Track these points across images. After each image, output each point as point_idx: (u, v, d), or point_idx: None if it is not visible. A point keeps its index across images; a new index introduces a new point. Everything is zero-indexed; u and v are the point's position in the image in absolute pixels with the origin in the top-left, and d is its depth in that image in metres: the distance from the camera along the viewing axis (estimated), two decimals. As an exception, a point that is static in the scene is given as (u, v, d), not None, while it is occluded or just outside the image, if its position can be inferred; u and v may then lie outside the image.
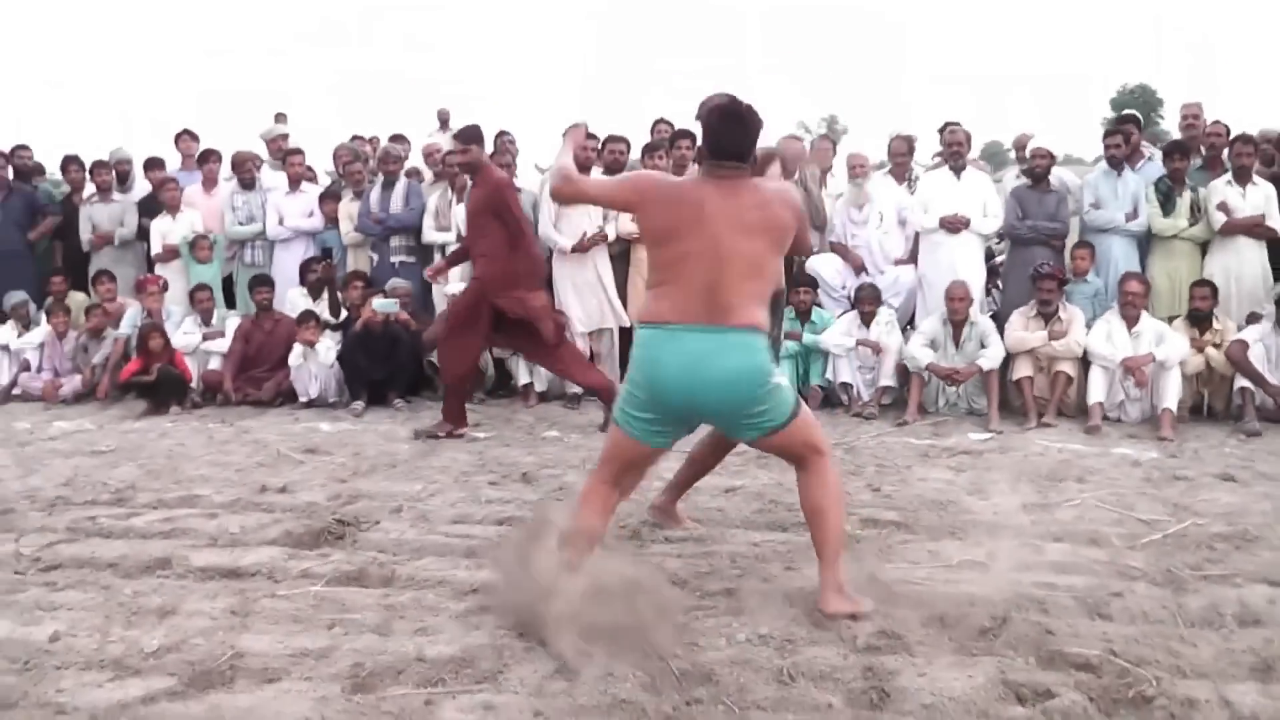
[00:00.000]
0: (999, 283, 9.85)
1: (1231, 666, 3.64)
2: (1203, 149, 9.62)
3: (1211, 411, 8.61)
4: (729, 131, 4.03)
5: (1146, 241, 9.18)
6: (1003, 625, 3.94)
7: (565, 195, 4.58)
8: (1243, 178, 8.96)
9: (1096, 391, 8.13)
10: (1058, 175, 9.50)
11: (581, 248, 9.27)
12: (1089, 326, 8.42)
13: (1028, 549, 4.94)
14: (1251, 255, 8.96)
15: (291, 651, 3.77)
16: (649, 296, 4.13)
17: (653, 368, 4.02)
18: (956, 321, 8.52)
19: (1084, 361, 8.31)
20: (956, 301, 8.50)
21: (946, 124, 9.51)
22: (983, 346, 8.47)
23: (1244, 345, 8.13)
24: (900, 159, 9.95)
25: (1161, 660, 3.65)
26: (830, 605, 4.06)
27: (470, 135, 7.80)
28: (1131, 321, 8.22)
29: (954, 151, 9.26)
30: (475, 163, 7.74)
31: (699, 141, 4.20)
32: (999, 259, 10.14)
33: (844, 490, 4.48)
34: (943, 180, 9.30)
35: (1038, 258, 8.91)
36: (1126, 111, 11.00)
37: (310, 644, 3.83)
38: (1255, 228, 8.90)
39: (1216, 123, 9.71)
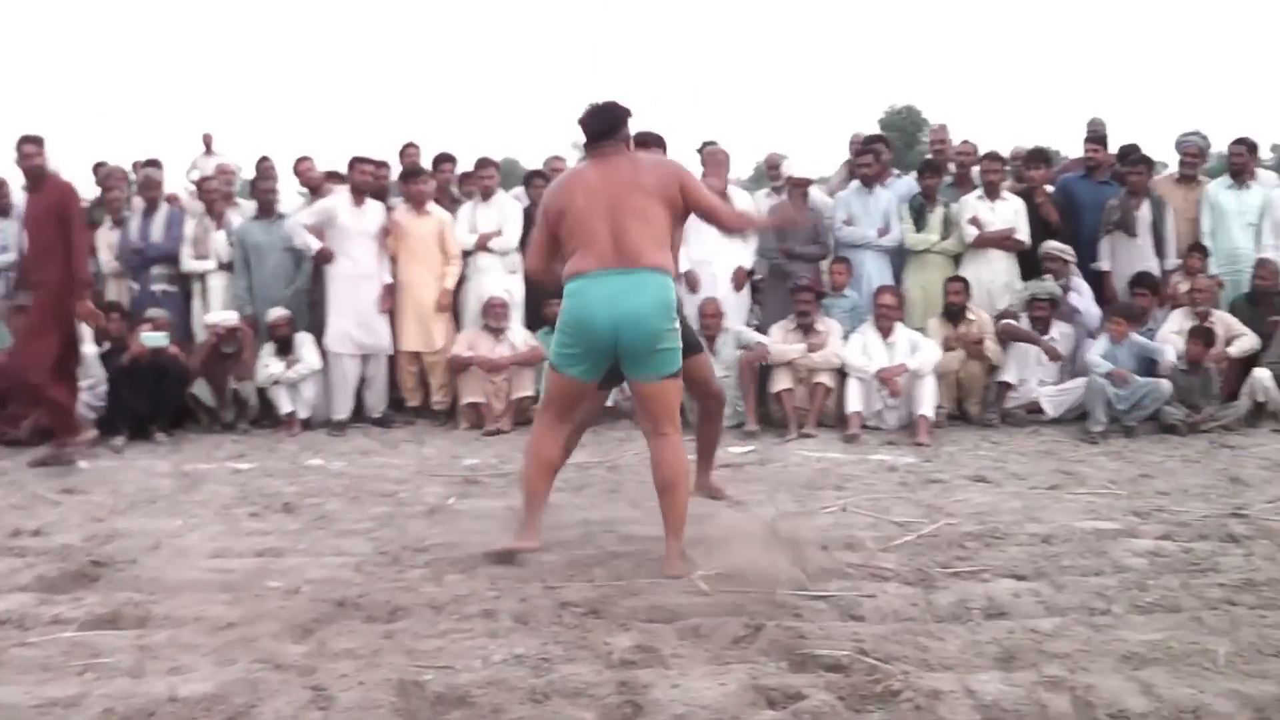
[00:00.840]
0: (759, 299, 10.06)
1: (976, 657, 3.77)
2: (953, 166, 10.05)
3: (967, 416, 8.97)
4: (593, 118, 4.88)
5: (901, 256, 9.52)
6: (757, 633, 4.01)
7: (533, 266, 5.27)
8: (992, 193, 9.46)
9: (854, 401, 8.40)
10: (812, 194, 9.78)
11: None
12: (847, 339, 8.68)
13: (783, 557, 5.01)
14: (1001, 266, 9.45)
15: (39, 701, 3.53)
16: (568, 264, 4.81)
17: (581, 308, 4.73)
18: (709, 328, 8.78)
19: (843, 372, 8.56)
20: (708, 318, 8.75)
21: (705, 144, 9.71)
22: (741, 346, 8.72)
23: (1015, 320, 8.86)
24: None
25: (910, 655, 3.76)
26: (673, 569, 4.67)
27: (37, 139, 7.84)
28: (886, 333, 8.53)
29: (714, 170, 9.40)
30: (41, 168, 7.81)
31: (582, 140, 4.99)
32: (759, 275, 10.36)
33: (689, 468, 5.08)
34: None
35: (796, 272, 9.15)
36: (877, 133, 11.46)
37: (60, 692, 3.60)
38: (1005, 240, 9.35)
39: (965, 142, 10.21)
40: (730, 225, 5.46)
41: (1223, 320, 8.87)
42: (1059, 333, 9.00)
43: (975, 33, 75.06)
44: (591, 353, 4.83)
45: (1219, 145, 10.40)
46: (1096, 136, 10.12)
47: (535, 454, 5.05)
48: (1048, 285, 8.98)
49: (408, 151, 10.38)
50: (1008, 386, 8.82)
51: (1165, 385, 8.36)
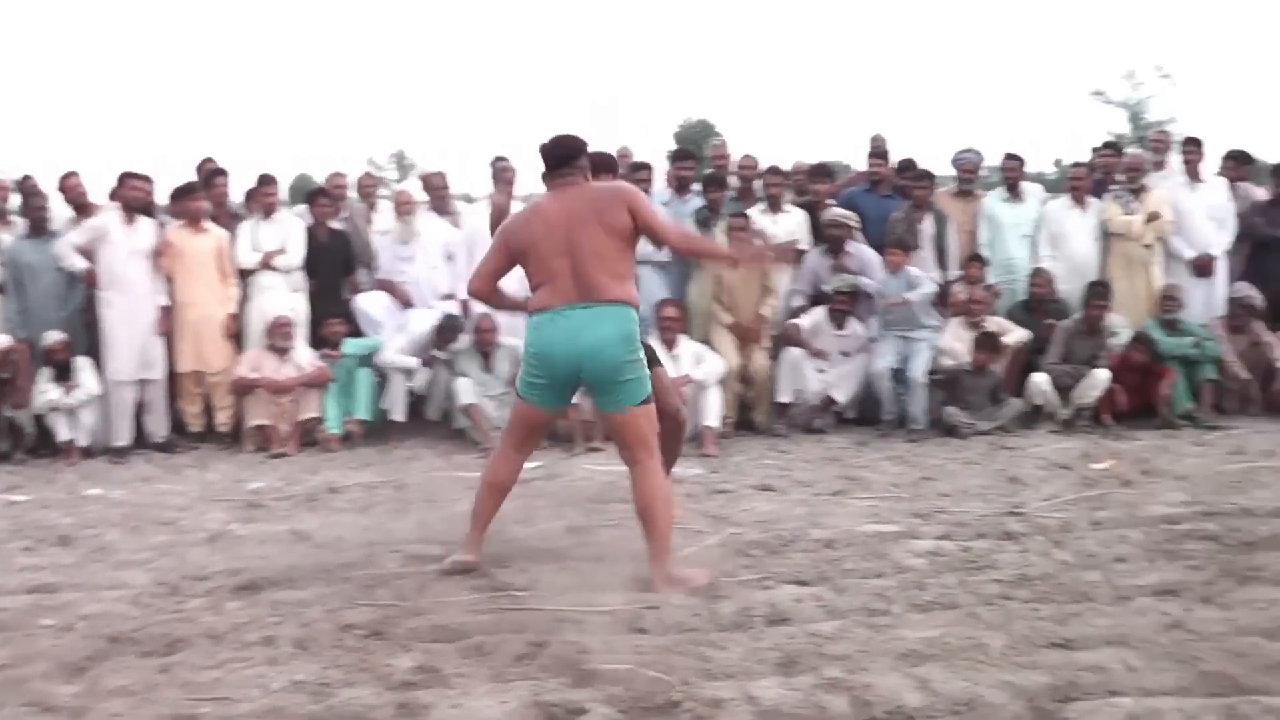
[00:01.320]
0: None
1: (758, 664, 3.82)
2: (736, 180, 10.19)
3: (753, 425, 9.11)
4: (552, 148, 5.06)
5: (682, 269, 9.57)
6: (540, 649, 4.00)
7: (479, 290, 5.32)
8: (775, 206, 9.61)
9: (640, 414, 8.41)
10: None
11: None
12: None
13: (568, 572, 5.00)
14: (785, 276, 9.58)
15: None
16: (533, 298, 5.00)
17: (543, 342, 4.90)
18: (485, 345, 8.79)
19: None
20: (484, 333, 8.79)
21: (497, 158, 9.69)
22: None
23: (797, 327, 9.08)
24: (439, 193, 10.01)
25: (691, 666, 3.78)
26: (664, 588, 4.73)
27: None
28: (670, 345, 8.57)
29: (504, 179, 9.36)
30: None
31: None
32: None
33: (671, 490, 5.17)
34: (481, 213, 9.39)
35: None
36: (681, 148, 11.58)
37: None
38: (786, 251, 9.52)
39: (747, 156, 10.34)
40: (677, 247, 5.61)
41: (998, 324, 9.22)
42: (854, 330, 9.23)
43: (765, 49, 76.29)
44: (554, 384, 5.00)
45: (991, 160, 10.82)
46: (879, 152, 10.40)
47: (490, 478, 5.25)
48: (848, 279, 9.17)
49: (204, 165, 9.99)
50: (785, 407, 9.02)
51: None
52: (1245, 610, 4.33)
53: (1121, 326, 9.31)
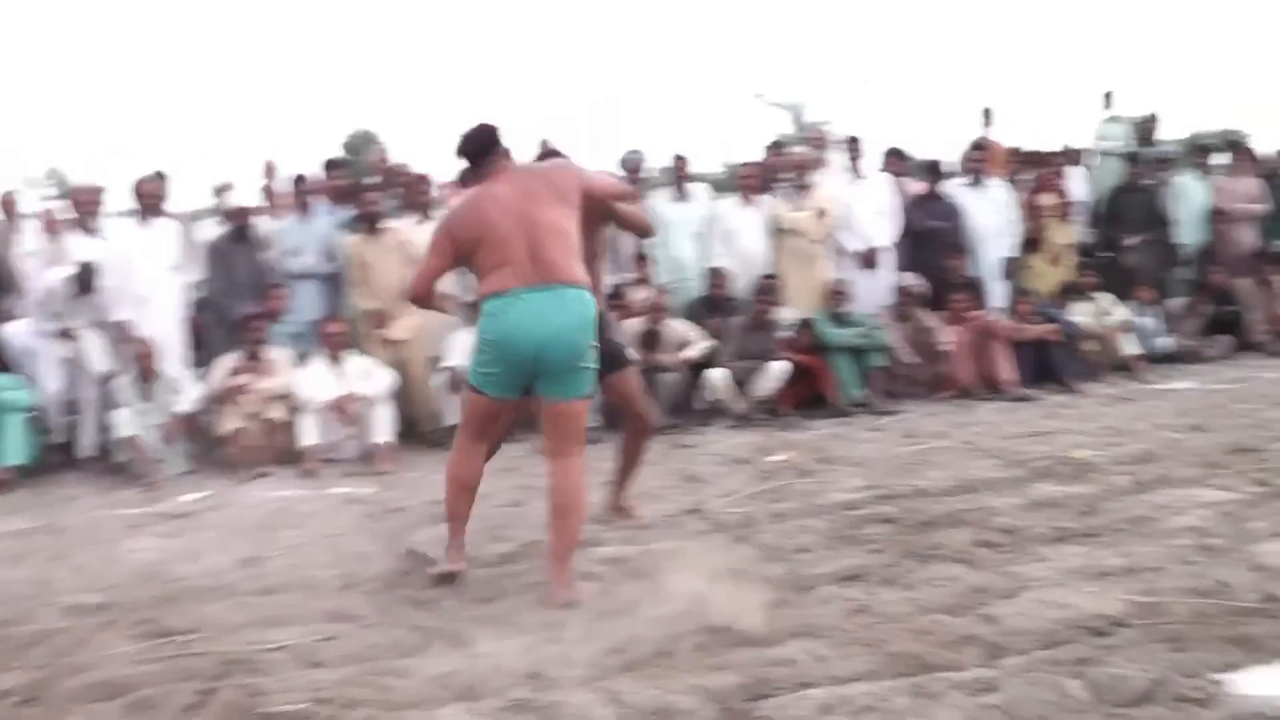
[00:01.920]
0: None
1: (441, 690, 3.72)
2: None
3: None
4: (472, 140, 4.97)
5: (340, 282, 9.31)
6: (210, 696, 3.78)
7: (419, 293, 5.13)
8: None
9: (309, 434, 8.11)
10: (259, 225, 9.45)
11: None
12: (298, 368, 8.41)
13: (239, 609, 4.74)
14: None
15: None
16: (483, 282, 4.80)
17: (503, 327, 4.72)
18: (145, 372, 8.17)
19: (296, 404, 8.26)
20: (144, 359, 8.20)
21: (140, 180, 9.13)
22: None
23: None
24: (88, 209, 9.35)
25: (372, 698, 3.66)
26: (560, 597, 4.62)
27: None
28: (336, 361, 8.31)
29: (148, 204, 8.86)
30: None
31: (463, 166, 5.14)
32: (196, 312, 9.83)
33: (586, 493, 5.01)
34: (131, 231, 8.89)
35: (233, 306, 8.81)
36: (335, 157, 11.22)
37: None
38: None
39: (402, 164, 10.22)
40: (633, 222, 5.66)
41: (674, 327, 9.34)
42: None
43: (430, 59, 75.69)
44: (511, 371, 4.83)
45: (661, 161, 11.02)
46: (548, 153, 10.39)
47: (455, 477, 5.11)
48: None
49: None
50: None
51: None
52: (927, 589, 4.55)
53: (793, 320, 9.62)
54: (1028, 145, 12.20)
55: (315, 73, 72.86)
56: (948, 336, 9.75)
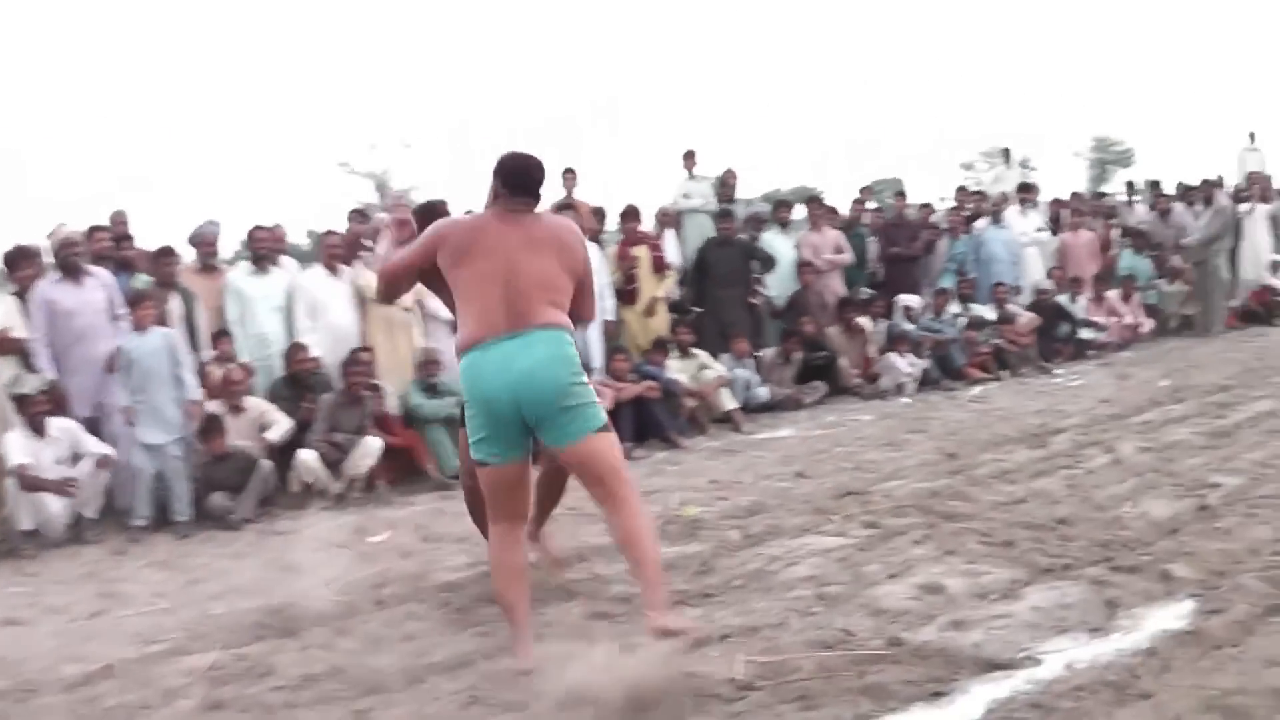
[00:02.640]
0: None
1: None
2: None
3: None
4: (528, 173, 4.78)
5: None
6: None
7: (392, 281, 5.02)
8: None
9: None
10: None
11: None
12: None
13: None
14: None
15: None
16: (460, 333, 4.69)
17: (478, 380, 4.58)
18: None
19: None
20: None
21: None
22: None
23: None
24: None
25: None
26: (668, 624, 4.36)
27: None
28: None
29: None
30: None
31: (496, 183, 4.81)
32: None
33: (652, 523, 4.86)
34: None
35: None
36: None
37: None
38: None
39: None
40: (588, 318, 5.34)
41: (257, 405, 8.95)
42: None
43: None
44: (500, 428, 4.62)
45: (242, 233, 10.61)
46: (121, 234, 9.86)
47: (500, 563, 4.79)
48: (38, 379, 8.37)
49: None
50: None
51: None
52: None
53: (387, 391, 9.44)
54: (616, 204, 12.49)
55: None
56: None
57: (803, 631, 4.81)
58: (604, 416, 4.76)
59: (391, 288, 5.10)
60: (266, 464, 8.55)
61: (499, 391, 4.55)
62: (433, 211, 5.73)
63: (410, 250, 4.94)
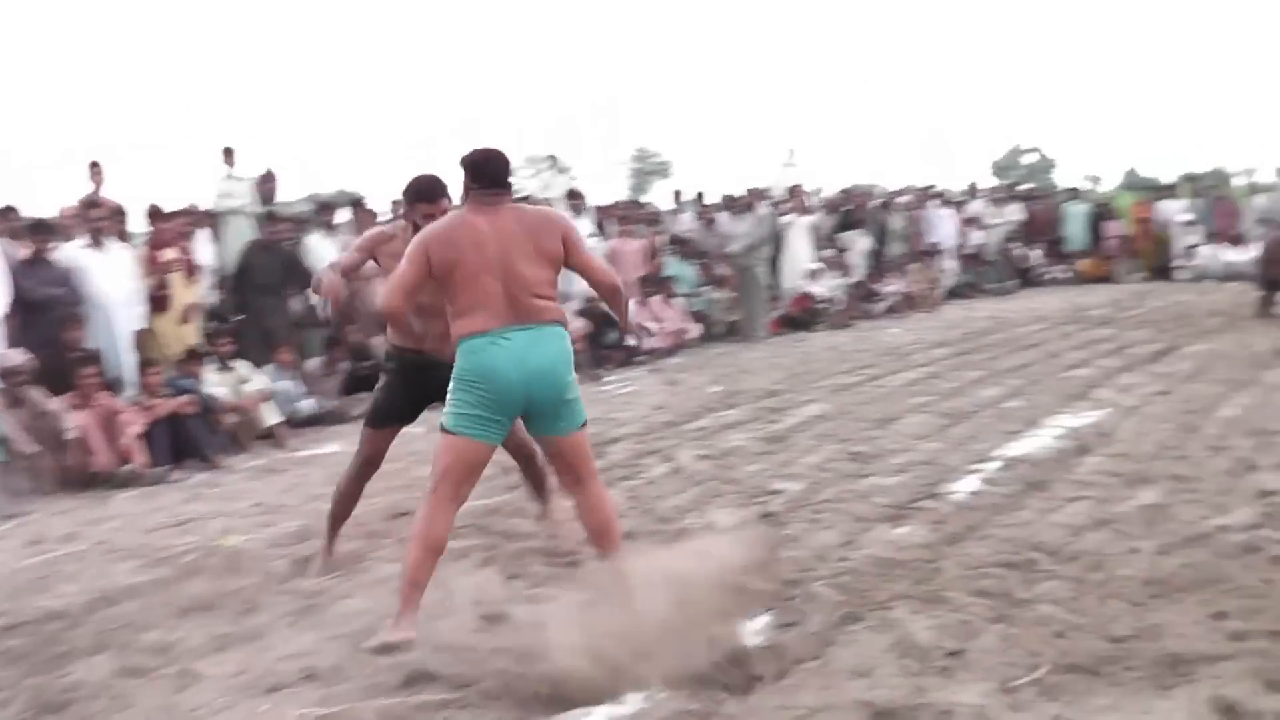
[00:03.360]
0: None
1: None
2: None
3: None
4: (490, 164, 5.06)
5: None
6: None
7: (395, 304, 5.03)
8: None
9: None
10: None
11: None
12: None
13: None
14: None
15: None
16: (459, 322, 4.94)
17: (486, 364, 4.86)
18: None
19: None
20: None
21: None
22: None
23: None
24: None
25: None
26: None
27: None
28: None
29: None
30: None
31: (466, 178, 5.06)
32: None
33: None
34: None
35: None
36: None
37: None
38: None
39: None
40: (608, 286, 5.30)
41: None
42: None
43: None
44: (498, 410, 4.92)
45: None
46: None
47: (424, 535, 4.90)
48: None
49: None
50: None
51: None
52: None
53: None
54: (145, 203, 11.74)
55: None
56: (74, 420, 8.94)
57: (369, 676, 4.53)
58: (584, 412, 5.18)
59: (394, 311, 5.14)
60: None
61: (515, 382, 4.87)
62: (423, 190, 5.73)
63: (404, 270, 5.02)
